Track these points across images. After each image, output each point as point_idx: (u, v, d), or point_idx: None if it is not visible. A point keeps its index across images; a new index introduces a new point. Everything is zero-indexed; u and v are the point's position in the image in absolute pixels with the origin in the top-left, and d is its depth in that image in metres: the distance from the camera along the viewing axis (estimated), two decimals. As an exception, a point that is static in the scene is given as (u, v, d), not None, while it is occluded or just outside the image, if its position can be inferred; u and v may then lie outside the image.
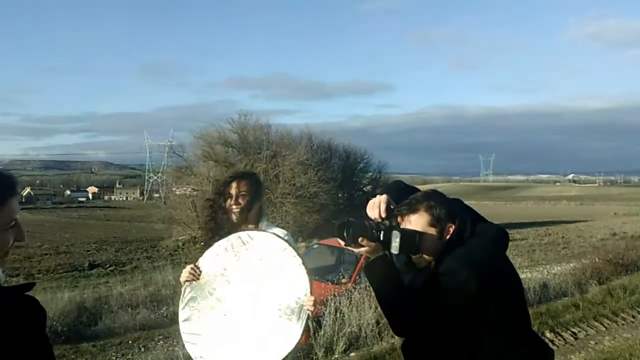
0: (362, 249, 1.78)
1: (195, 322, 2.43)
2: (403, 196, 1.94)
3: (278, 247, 2.36)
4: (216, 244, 2.48)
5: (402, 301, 1.77)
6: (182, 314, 2.47)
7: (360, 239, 1.76)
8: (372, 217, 1.83)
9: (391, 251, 1.77)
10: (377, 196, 1.86)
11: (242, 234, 2.44)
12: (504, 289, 1.86)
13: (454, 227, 1.85)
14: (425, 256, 1.86)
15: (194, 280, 2.47)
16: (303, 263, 2.31)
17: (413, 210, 1.85)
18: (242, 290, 2.37)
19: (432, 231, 1.84)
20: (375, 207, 1.82)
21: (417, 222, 1.84)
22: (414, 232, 1.80)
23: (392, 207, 1.85)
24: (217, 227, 2.61)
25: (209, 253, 2.49)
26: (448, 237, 1.85)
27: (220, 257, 2.45)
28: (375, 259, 1.80)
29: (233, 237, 2.45)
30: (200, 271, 2.48)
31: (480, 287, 1.75)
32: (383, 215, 1.81)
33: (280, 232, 2.61)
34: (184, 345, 2.46)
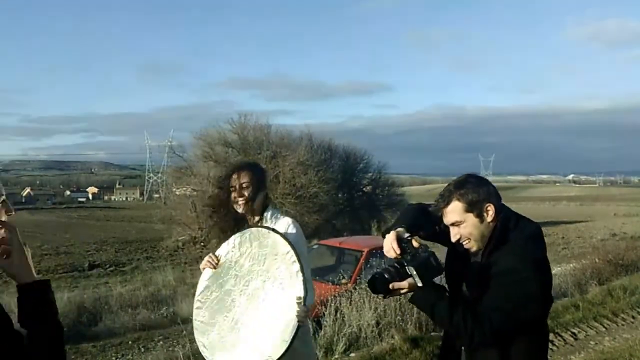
0: (402, 291, 1.79)
1: (205, 311, 2.48)
2: (420, 216, 1.97)
3: (282, 250, 2.30)
4: (232, 237, 2.50)
5: (462, 319, 1.75)
6: (196, 302, 2.54)
7: (390, 286, 1.77)
8: (392, 258, 1.83)
9: (418, 285, 1.76)
10: (386, 236, 1.85)
11: (254, 230, 2.45)
12: (548, 288, 1.88)
13: (492, 206, 1.87)
14: (473, 243, 1.88)
15: (211, 268, 2.52)
16: (301, 269, 2.24)
17: (447, 202, 1.90)
18: (247, 288, 2.38)
19: (471, 216, 1.86)
20: (390, 249, 1.82)
21: (453, 212, 1.88)
22: (427, 256, 1.77)
23: (402, 238, 1.83)
24: (221, 221, 2.61)
25: (225, 244, 2.53)
26: (490, 219, 1.86)
27: (235, 250, 2.47)
28: (414, 293, 1.81)
29: (247, 232, 2.46)
30: (218, 260, 2.52)
31: (541, 286, 1.78)
32: (398, 252, 1.80)
33: (286, 221, 2.58)
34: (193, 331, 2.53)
